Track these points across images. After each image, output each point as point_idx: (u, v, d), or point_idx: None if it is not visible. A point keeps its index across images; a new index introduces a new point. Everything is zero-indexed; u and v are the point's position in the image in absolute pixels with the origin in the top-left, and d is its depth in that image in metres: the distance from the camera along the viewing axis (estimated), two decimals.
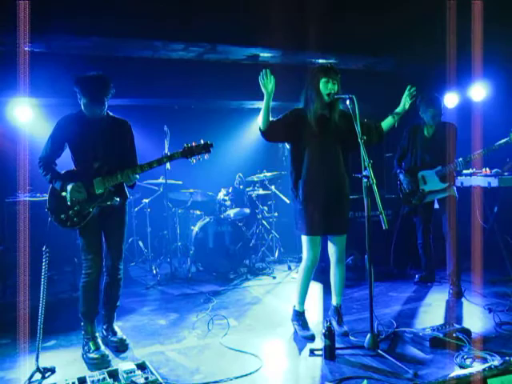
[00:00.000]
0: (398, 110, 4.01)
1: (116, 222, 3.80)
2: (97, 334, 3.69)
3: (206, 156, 3.78)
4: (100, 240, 3.74)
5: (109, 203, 3.69)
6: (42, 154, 3.71)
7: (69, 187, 3.55)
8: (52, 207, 3.65)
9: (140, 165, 3.70)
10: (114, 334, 3.83)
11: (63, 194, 3.59)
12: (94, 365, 3.44)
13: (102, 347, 3.60)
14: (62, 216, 3.60)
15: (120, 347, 3.72)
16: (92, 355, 3.50)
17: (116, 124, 3.82)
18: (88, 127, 3.65)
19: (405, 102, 3.98)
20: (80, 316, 3.70)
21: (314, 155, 3.83)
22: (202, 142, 3.76)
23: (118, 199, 3.71)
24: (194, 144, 3.74)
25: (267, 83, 3.67)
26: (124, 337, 3.80)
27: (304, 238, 3.92)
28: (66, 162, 3.78)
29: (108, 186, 3.65)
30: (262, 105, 3.75)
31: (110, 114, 3.82)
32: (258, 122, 3.84)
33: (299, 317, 4.05)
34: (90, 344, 3.59)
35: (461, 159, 4.82)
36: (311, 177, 3.84)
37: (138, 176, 3.72)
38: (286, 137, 3.96)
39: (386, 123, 4.03)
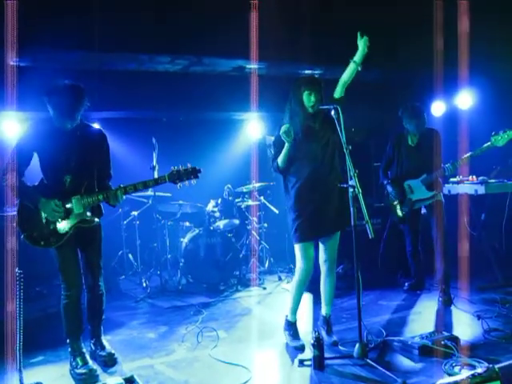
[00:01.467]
0: (357, 57, 3.90)
1: (92, 239, 3.67)
2: (84, 350, 3.64)
3: (193, 181, 3.69)
4: (77, 258, 3.60)
5: (87, 225, 3.55)
6: (7, 165, 3.41)
7: (44, 205, 3.36)
8: (23, 224, 3.43)
9: (125, 186, 3.56)
10: (103, 348, 3.79)
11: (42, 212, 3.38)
12: (81, 380, 3.42)
13: (90, 362, 3.56)
14: (35, 234, 3.39)
15: (108, 362, 3.69)
16: (80, 370, 3.47)
17: (91, 134, 3.64)
18: (60, 136, 3.43)
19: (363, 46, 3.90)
20: (65, 335, 3.64)
21: (302, 166, 3.85)
22: (190, 166, 3.68)
23: (97, 220, 3.63)
24: (181, 168, 3.65)
25: (290, 136, 3.66)
26: (112, 351, 3.77)
27: (297, 247, 3.92)
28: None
29: (88, 206, 3.50)
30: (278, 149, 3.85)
31: (85, 122, 3.65)
32: (279, 163, 3.87)
33: (291, 327, 4.06)
34: (78, 360, 3.54)
35: (448, 164, 4.85)
36: (301, 187, 3.86)
37: (124, 197, 3.59)
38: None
39: (348, 71, 3.93)
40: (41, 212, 3.40)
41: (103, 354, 3.73)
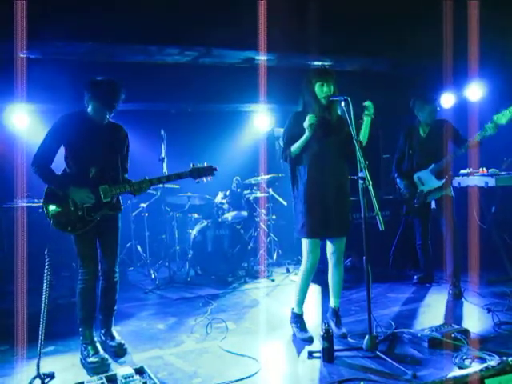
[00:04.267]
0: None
1: (111, 228, 3.79)
2: (95, 339, 3.67)
3: (210, 178, 3.94)
4: (95, 246, 3.72)
5: (113, 213, 3.74)
6: (37, 153, 3.57)
7: (76, 191, 3.52)
8: (52, 210, 3.56)
9: (151, 178, 3.76)
10: (113, 338, 3.82)
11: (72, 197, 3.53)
12: (93, 369, 3.43)
13: (101, 351, 3.58)
14: (63, 220, 3.54)
15: (118, 352, 3.71)
16: (91, 359, 3.49)
17: (116, 129, 3.84)
18: (90, 130, 3.62)
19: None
20: (78, 322, 3.69)
21: (315, 158, 3.83)
22: (206, 165, 3.92)
23: (122, 207, 3.82)
24: (200, 166, 3.89)
25: (313, 127, 3.67)
26: (122, 341, 3.79)
27: (305, 241, 3.91)
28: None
29: (115, 195, 3.69)
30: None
31: (110, 119, 3.85)
32: (293, 151, 3.82)
33: (297, 319, 4.05)
34: (89, 349, 3.57)
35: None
36: (313, 179, 3.84)
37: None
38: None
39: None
40: (68, 199, 3.55)
41: (113, 344, 3.76)
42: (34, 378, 3.18)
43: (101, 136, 3.66)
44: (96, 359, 3.48)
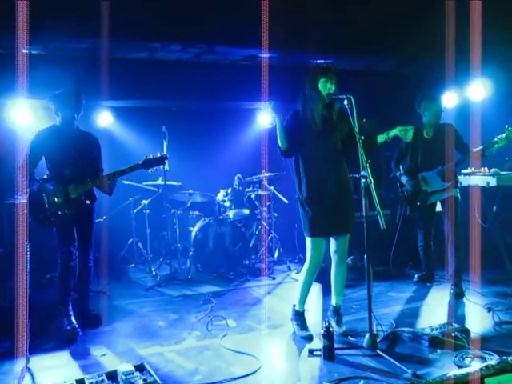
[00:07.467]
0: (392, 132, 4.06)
1: (86, 220, 4.38)
2: (71, 312, 4.22)
3: (162, 167, 4.57)
4: (73, 234, 4.31)
5: (82, 206, 4.27)
6: (23, 162, 4.13)
7: (48, 189, 4.13)
8: (30, 208, 4.13)
9: (111, 172, 4.26)
10: (90, 311, 4.47)
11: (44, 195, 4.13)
12: (66, 336, 4.02)
13: (74, 322, 4.17)
14: (41, 216, 4.15)
15: (96, 321, 4.38)
16: (66, 328, 4.09)
17: (84, 137, 4.41)
18: (61, 140, 4.23)
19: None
20: (59, 299, 4.24)
21: (317, 156, 3.82)
22: (159, 154, 4.40)
23: (88, 202, 4.33)
24: (151, 157, 4.36)
25: (273, 111, 3.71)
26: (97, 312, 4.49)
27: (309, 240, 3.90)
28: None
29: (80, 192, 4.23)
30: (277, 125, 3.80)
31: (80, 128, 4.41)
32: (279, 143, 3.83)
33: (298, 317, 4.05)
34: (65, 320, 4.16)
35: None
36: (315, 178, 3.83)
37: (114, 181, 4.31)
38: (299, 145, 3.89)
39: (381, 138, 4.04)
40: (44, 198, 4.16)
41: (91, 314, 4.44)
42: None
43: (71, 143, 4.25)
44: (68, 328, 4.09)
